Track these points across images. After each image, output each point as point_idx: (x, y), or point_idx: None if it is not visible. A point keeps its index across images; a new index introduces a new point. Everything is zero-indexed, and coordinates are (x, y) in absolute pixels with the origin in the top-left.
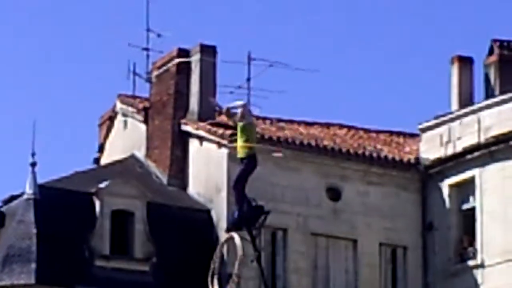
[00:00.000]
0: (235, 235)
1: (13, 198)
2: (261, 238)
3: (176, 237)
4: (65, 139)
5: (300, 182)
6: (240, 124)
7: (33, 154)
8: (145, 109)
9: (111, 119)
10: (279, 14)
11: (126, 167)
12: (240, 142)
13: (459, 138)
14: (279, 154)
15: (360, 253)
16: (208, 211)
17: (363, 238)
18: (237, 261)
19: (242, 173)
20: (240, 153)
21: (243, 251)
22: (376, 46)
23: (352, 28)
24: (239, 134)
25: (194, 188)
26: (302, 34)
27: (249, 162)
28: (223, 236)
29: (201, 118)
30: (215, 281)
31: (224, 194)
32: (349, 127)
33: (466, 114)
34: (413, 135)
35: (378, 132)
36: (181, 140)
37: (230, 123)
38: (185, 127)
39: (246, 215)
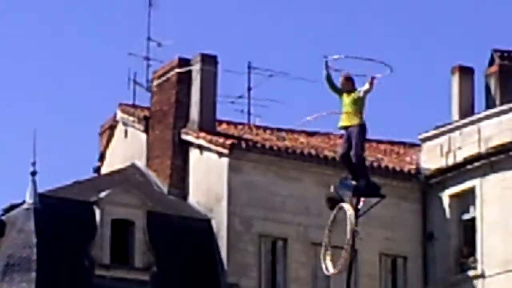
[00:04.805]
0: (346, 206)
1: (13, 207)
2: (261, 248)
3: (176, 247)
4: (65, 148)
5: (300, 191)
6: (359, 94)
7: (33, 163)
8: (146, 119)
9: (112, 128)
10: (280, 24)
11: (127, 176)
12: (348, 110)
13: (459, 148)
14: None
15: (360, 263)
16: (208, 221)
17: (363, 248)
18: (349, 231)
19: (359, 141)
20: (349, 121)
21: (355, 222)
22: (377, 56)
23: (352, 39)
24: (350, 102)
25: (195, 198)
26: (302, 44)
27: (362, 130)
28: (223, 245)
29: (201, 128)
30: (328, 258)
31: (224, 203)
32: None
33: (466, 124)
34: (413, 145)
35: (378, 142)
36: (182, 149)
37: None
38: (185, 137)
39: (363, 189)
